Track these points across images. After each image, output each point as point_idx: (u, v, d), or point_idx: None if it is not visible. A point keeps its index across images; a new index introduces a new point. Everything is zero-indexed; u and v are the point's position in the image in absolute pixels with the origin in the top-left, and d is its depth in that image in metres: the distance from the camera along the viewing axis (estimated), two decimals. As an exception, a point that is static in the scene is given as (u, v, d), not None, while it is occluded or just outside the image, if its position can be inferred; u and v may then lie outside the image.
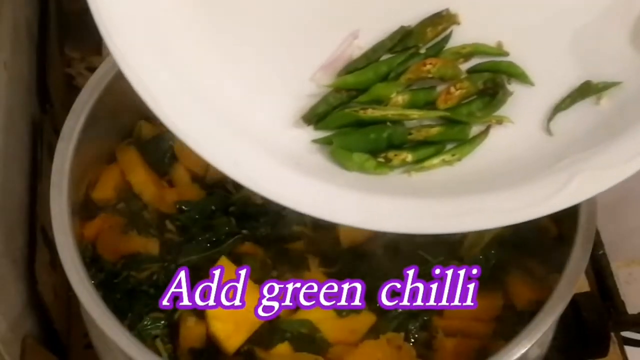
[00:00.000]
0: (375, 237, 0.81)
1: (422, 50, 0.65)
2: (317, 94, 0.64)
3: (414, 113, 0.64)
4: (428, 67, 0.64)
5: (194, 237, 0.81)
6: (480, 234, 0.80)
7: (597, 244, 0.94)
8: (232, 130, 0.61)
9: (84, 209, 0.80)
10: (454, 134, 0.63)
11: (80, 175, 0.78)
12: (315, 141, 0.63)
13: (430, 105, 0.64)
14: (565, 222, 0.77)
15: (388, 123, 0.64)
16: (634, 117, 0.61)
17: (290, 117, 0.64)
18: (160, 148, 0.84)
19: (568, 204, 0.59)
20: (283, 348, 0.75)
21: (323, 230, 0.82)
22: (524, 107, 0.64)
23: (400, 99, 0.64)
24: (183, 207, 0.82)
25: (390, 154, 0.62)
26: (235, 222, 0.81)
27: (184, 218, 0.82)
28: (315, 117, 0.63)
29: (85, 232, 0.80)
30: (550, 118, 0.63)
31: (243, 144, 0.61)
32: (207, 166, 0.85)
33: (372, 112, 0.63)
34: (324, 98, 0.64)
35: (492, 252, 0.79)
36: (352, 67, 0.65)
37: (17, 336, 0.80)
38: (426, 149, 0.63)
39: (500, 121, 0.63)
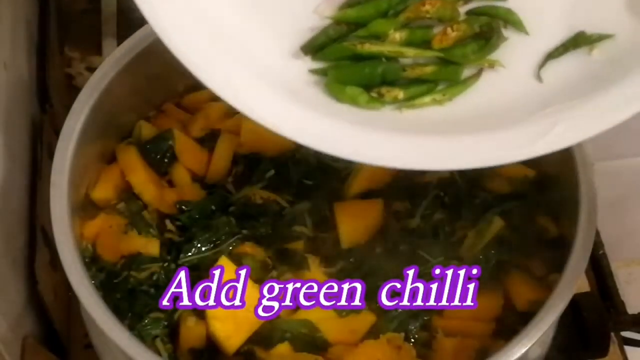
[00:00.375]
0: (375, 237, 0.82)
1: None
2: (318, 27, 0.66)
3: (409, 51, 0.65)
4: (427, 7, 0.65)
5: (194, 237, 0.80)
6: (480, 233, 0.80)
7: (597, 244, 0.94)
8: (232, 58, 0.63)
9: (84, 209, 0.80)
10: (446, 73, 0.65)
11: (80, 175, 0.78)
12: (311, 71, 0.65)
13: (427, 44, 0.66)
14: (565, 222, 0.77)
15: (383, 59, 0.65)
16: (622, 70, 0.62)
17: (290, 48, 0.65)
18: (160, 148, 0.84)
19: (551, 149, 0.60)
20: (283, 348, 0.75)
21: (323, 230, 0.82)
22: (517, 54, 0.65)
23: (397, 36, 0.65)
24: (183, 207, 0.82)
25: (383, 90, 0.64)
26: (235, 222, 0.81)
27: (184, 218, 0.82)
28: (313, 48, 0.65)
29: (85, 232, 0.80)
30: (541, 65, 0.64)
31: (243, 72, 0.62)
32: (207, 166, 0.85)
33: (368, 47, 0.65)
34: (323, 30, 0.65)
35: (492, 252, 0.79)
36: (353, 1, 0.66)
37: (17, 336, 0.80)
38: (418, 87, 0.64)
39: (492, 65, 0.65)
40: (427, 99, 0.64)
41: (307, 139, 0.61)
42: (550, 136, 0.60)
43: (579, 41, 0.64)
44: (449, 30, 0.65)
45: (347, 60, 0.65)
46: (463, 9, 0.66)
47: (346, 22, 0.65)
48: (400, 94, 0.64)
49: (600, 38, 0.64)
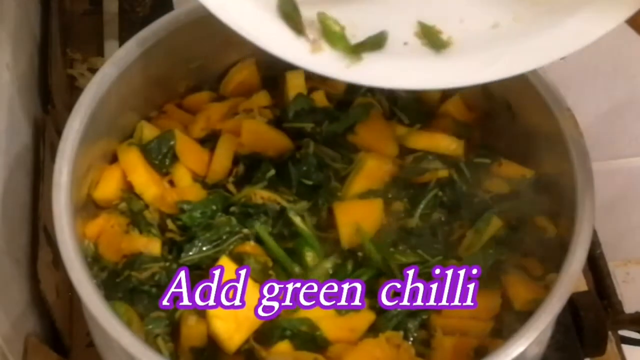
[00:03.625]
0: (375, 237, 0.82)
1: None
2: None
3: None
4: None
5: (195, 236, 0.81)
6: (478, 233, 0.80)
7: (595, 244, 0.95)
8: None
9: (86, 209, 0.81)
10: None
11: (82, 175, 0.79)
12: None
13: None
14: (563, 222, 0.78)
15: None
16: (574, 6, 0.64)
17: None
18: (161, 148, 0.85)
19: (499, 76, 0.64)
20: (283, 346, 0.75)
21: (323, 230, 0.83)
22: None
23: None
24: (184, 207, 0.82)
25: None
26: (235, 222, 0.82)
27: (185, 218, 0.82)
28: None
29: (87, 231, 0.80)
30: None
31: None
32: (208, 166, 0.86)
33: None
34: None
35: (491, 251, 0.79)
36: None
37: (19, 334, 0.81)
38: None
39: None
40: None
41: (283, 52, 0.65)
42: (498, 65, 0.64)
43: None
44: None
45: None
46: None
47: None
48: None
49: None
